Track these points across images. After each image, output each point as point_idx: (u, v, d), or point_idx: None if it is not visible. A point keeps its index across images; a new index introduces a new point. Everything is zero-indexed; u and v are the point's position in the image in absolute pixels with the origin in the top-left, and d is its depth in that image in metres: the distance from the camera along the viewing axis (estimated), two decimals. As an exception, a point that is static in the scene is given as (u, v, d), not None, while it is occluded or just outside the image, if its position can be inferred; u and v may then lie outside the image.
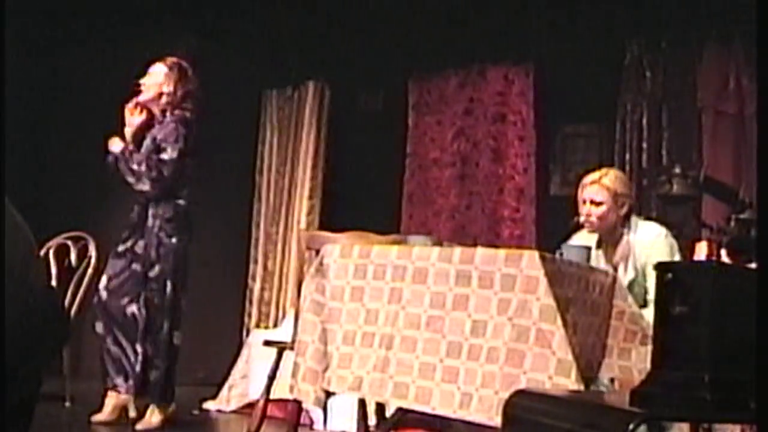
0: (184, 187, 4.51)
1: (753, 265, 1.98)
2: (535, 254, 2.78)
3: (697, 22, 5.47)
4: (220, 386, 5.61)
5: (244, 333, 6.85)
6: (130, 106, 4.54)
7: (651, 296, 3.66)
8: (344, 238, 3.71)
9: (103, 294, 4.43)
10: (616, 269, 3.77)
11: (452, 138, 6.46)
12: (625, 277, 3.76)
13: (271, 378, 3.81)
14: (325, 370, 3.08)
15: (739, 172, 5.20)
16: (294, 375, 3.13)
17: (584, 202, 3.83)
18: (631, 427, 1.63)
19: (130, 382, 4.35)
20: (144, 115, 4.54)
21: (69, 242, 4.99)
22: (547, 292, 2.69)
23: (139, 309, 4.37)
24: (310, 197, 6.92)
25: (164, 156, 4.41)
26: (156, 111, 4.55)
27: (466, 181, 6.38)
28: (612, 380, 3.28)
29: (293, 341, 3.33)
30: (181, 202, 4.49)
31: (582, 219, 3.85)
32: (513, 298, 2.74)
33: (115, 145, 4.48)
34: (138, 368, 4.34)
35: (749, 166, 5.00)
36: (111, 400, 4.41)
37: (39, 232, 1.63)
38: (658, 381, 1.86)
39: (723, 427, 3.26)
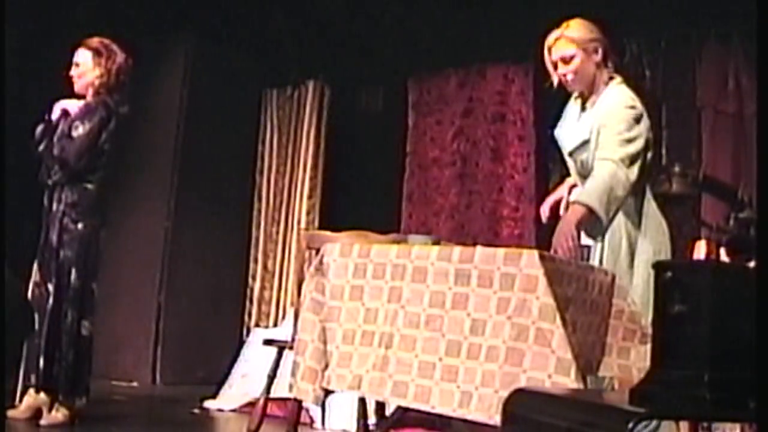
0: (95, 172, 4.35)
1: (752, 264, 1.98)
2: (535, 253, 2.78)
3: (697, 21, 5.47)
4: (220, 385, 5.62)
5: (244, 332, 6.86)
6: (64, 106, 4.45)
7: (601, 158, 3.28)
8: (344, 238, 3.71)
9: (32, 286, 4.32)
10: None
11: (452, 137, 6.47)
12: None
13: (271, 377, 3.81)
14: (325, 368, 3.08)
15: (738, 171, 5.20)
16: (293, 374, 3.13)
17: (555, 65, 3.49)
18: (630, 425, 1.63)
19: (35, 377, 4.21)
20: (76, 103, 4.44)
21: None
22: (546, 291, 2.69)
23: (47, 299, 4.23)
24: (310, 197, 6.93)
25: (73, 133, 4.31)
26: (90, 97, 4.44)
27: (465, 180, 6.38)
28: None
29: (293, 340, 3.33)
30: (89, 186, 4.33)
31: (556, 83, 3.51)
32: (512, 297, 2.74)
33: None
34: (41, 362, 4.18)
35: (748, 165, 5.00)
36: (28, 398, 4.25)
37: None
38: (658, 380, 1.86)
39: (722, 425, 3.26)
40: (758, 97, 2.59)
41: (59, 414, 4.21)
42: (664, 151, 5.60)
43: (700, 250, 2.20)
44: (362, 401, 3.83)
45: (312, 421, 4.81)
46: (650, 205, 3.47)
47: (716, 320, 1.82)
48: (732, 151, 5.29)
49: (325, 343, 3.10)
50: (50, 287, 4.26)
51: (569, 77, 3.47)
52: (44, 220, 4.38)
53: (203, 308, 6.82)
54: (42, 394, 4.23)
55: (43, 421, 4.18)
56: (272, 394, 3.84)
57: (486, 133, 6.31)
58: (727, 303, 1.84)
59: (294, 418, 3.58)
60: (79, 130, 4.32)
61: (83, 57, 4.48)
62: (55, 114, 4.43)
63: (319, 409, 4.03)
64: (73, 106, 4.44)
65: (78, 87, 4.48)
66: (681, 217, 5.34)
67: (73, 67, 4.49)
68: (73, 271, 4.28)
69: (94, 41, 4.49)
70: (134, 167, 6.51)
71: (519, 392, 2.17)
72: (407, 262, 2.98)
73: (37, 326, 4.22)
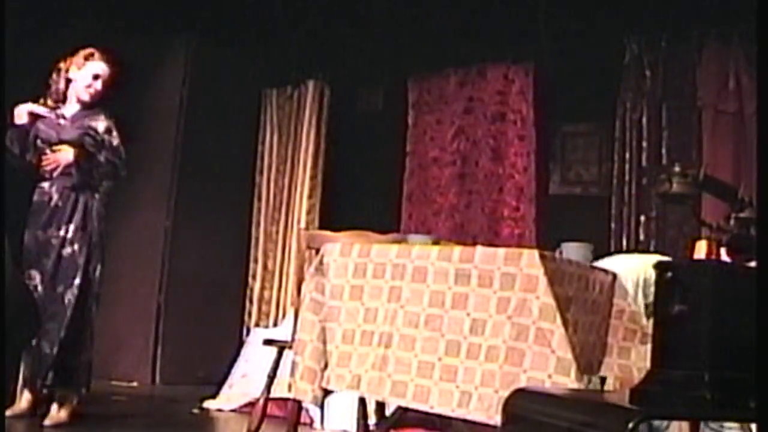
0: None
1: (752, 264, 1.98)
2: (535, 253, 2.78)
3: (697, 21, 5.48)
4: (220, 385, 5.61)
5: (244, 332, 6.86)
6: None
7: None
8: (344, 237, 3.71)
9: (39, 286, 4.29)
10: None
11: (452, 137, 6.47)
12: None
13: (271, 377, 3.81)
14: (324, 368, 3.08)
15: (738, 170, 5.20)
16: (292, 374, 3.13)
17: None
18: (630, 425, 1.63)
19: (35, 376, 4.22)
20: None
21: None
22: (546, 291, 2.69)
23: (51, 298, 4.24)
24: (310, 196, 6.92)
25: (114, 142, 4.44)
26: (89, 100, 4.46)
27: (465, 180, 6.38)
28: (603, 379, 3.27)
29: (293, 340, 3.33)
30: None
31: None
32: (512, 297, 2.74)
33: (68, 153, 4.35)
34: (45, 362, 4.17)
35: (749, 165, 5.00)
36: (26, 395, 4.27)
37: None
38: (658, 379, 1.86)
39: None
40: (758, 97, 2.59)
41: (62, 413, 4.22)
42: (664, 151, 5.61)
43: (701, 250, 2.20)
44: (362, 401, 3.83)
45: (312, 421, 4.81)
46: None
47: (716, 320, 1.82)
48: (732, 151, 5.30)
49: (324, 342, 3.10)
50: (55, 286, 4.27)
51: None
52: (49, 219, 4.38)
53: (203, 308, 6.81)
54: (42, 393, 4.24)
55: (47, 422, 4.18)
56: (272, 394, 3.83)
57: (486, 132, 6.31)
58: (727, 303, 1.84)
59: (294, 418, 3.58)
60: (115, 141, 4.45)
61: (103, 71, 4.46)
62: (23, 119, 4.39)
63: (318, 410, 4.03)
64: (40, 110, 4.42)
65: (88, 97, 4.46)
66: (681, 217, 5.35)
67: (92, 79, 4.44)
68: (76, 269, 4.29)
69: (111, 56, 4.50)
70: (134, 167, 6.48)
71: (519, 392, 2.17)
72: (407, 261, 2.98)
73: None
